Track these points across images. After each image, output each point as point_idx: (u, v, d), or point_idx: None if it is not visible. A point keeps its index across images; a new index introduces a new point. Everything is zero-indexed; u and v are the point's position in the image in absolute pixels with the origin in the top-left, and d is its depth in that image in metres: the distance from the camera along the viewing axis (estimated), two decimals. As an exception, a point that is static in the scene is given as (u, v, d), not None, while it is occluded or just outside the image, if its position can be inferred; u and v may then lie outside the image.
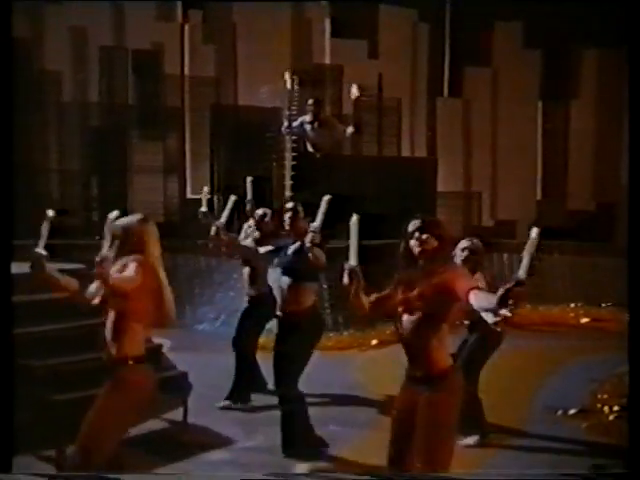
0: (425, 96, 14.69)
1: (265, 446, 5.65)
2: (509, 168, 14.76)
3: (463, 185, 14.77)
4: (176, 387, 6.29)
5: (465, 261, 5.70)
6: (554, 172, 14.83)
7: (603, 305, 11.24)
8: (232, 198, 6.47)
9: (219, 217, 6.45)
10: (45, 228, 4.35)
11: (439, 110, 14.68)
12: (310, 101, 10.43)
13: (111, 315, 3.86)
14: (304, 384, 7.20)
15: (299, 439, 5.42)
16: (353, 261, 3.87)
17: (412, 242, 3.90)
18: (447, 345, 3.94)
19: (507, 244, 13.43)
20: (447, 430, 3.81)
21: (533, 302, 11.83)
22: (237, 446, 5.51)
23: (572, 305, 11.62)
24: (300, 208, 5.79)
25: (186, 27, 13.05)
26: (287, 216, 5.78)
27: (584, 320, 11.11)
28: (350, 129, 10.53)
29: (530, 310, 11.58)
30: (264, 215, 6.95)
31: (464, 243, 5.90)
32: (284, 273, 5.58)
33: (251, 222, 7.15)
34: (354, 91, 10.92)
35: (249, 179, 7.46)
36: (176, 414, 6.23)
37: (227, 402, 6.72)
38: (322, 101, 10.96)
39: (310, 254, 5.34)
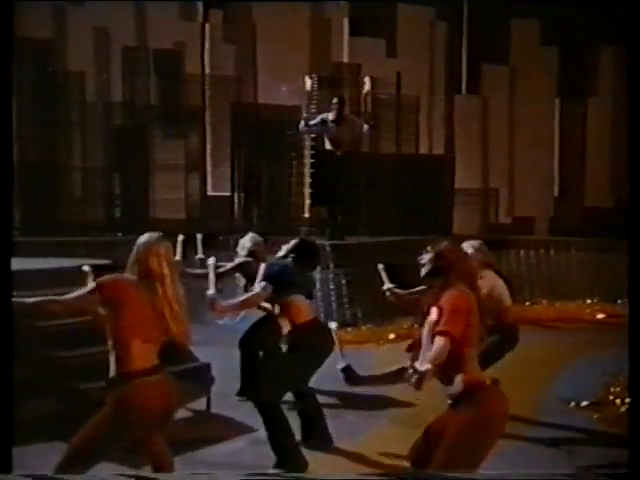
0: (443, 94, 14.82)
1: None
2: (527, 165, 14.86)
3: (481, 182, 14.88)
4: (200, 378, 6.49)
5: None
6: (571, 169, 14.92)
7: (619, 302, 11.30)
8: (180, 237, 6.47)
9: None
10: None
11: (457, 108, 14.81)
12: (335, 100, 10.63)
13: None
14: (321, 377, 7.46)
15: (315, 432, 5.62)
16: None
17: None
18: (473, 364, 3.82)
19: (525, 241, 13.58)
20: (468, 451, 3.74)
21: (549, 298, 12.01)
22: (258, 434, 5.68)
23: (588, 301, 11.72)
24: None
25: (207, 27, 13.23)
26: None
27: (600, 316, 11.19)
28: (366, 126, 10.70)
29: (546, 306, 11.75)
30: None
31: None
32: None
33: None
34: (367, 85, 11.12)
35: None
36: (200, 403, 6.46)
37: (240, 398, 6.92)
38: (345, 99, 11.09)
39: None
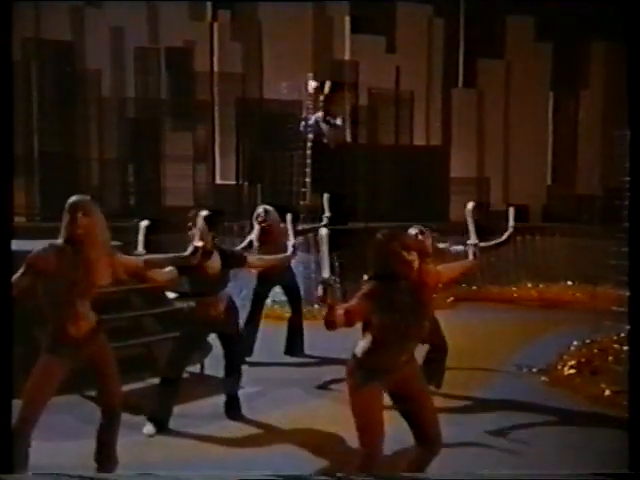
0: (440, 87, 15.58)
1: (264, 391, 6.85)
2: (521, 155, 15.62)
3: (476, 171, 15.65)
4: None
5: None
6: (564, 159, 15.65)
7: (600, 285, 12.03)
8: (144, 223, 5.73)
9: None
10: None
11: (454, 100, 15.57)
12: (321, 97, 11.54)
13: None
14: (310, 349, 8.37)
15: None
16: (326, 273, 3.91)
17: None
18: None
19: (519, 227, 14.34)
20: None
21: (533, 281, 12.80)
22: (243, 391, 6.61)
23: (569, 283, 12.48)
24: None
25: (215, 26, 14.09)
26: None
27: (578, 297, 11.96)
28: (339, 121, 11.66)
29: (530, 288, 12.55)
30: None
31: None
32: None
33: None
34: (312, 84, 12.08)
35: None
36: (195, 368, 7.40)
37: None
38: (333, 98, 12.00)
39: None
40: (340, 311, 3.93)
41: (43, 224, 11.95)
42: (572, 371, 7.28)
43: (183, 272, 5.66)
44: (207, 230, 5.69)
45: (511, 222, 6.29)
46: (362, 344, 4.15)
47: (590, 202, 14.98)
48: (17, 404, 4.46)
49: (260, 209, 8.13)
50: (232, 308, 6.14)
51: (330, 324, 3.92)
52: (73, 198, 4.60)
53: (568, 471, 4.54)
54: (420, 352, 6.52)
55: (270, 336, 8.41)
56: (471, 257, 5.14)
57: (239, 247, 7.78)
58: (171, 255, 5.17)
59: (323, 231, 4.20)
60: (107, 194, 12.91)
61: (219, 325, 5.96)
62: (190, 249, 5.12)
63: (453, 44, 15.65)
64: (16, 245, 5.64)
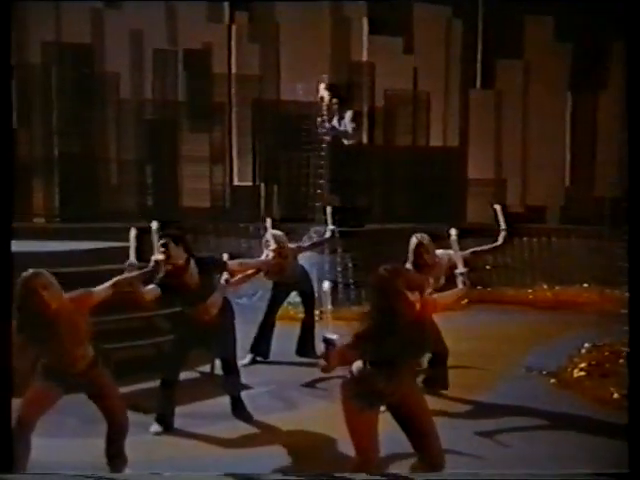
0: (458, 88, 15.56)
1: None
2: (539, 156, 15.55)
3: (494, 173, 15.61)
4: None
5: None
6: (582, 160, 15.57)
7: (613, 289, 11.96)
8: (133, 232, 5.52)
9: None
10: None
11: (472, 101, 15.54)
12: (334, 100, 11.67)
13: None
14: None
15: None
16: (329, 333, 3.92)
17: None
18: None
19: (537, 229, 14.32)
20: None
21: (549, 283, 12.78)
22: (252, 391, 6.72)
23: (585, 286, 12.44)
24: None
25: (233, 28, 14.18)
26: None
27: (594, 299, 11.91)
28: (354, 122, 11.77)
29: (545, 289, 12.54)
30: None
31: None
32: None
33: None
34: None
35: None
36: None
37: (250, 355, 7.99)
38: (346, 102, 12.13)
39: None
40: (334, 362, 3.95)
41: (62, 225, 12.17)
42: (582, 374, 7.30)
43: (166, 289, 5.71)
44: (173, 246, 5.77)
45: (502, 224, 6.28)
46: (358, 363, 4.17)
47: (609, 204, 14.90)
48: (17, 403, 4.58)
49: (268, 235, 7.89)
50: (227, 310, 6.23)
51: (325, 372, 4.07)
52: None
53: (568, 471, 4.57)
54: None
55: (284, 336, 8.49)
56: (460, 286, 5.11)
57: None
58: (135, 273, 5.25)
59: (326, 285, 4.34)
60: (125, 195, 13.06)
61: (213, 327, 6.04)
62: (151, 264, 5.29)
63: (471, 45, 15.61)
64: (35, 247, 5.75)
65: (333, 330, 4.00)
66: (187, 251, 5.92)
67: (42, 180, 12.55)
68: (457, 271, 5.15)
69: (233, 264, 6.48)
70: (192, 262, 5.91)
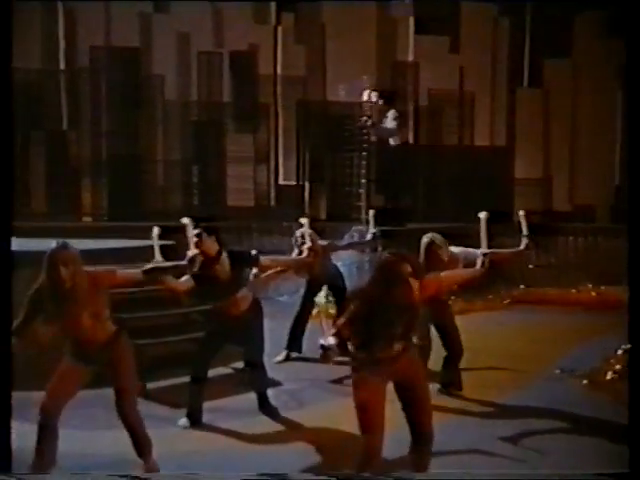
0: (505, 87, 15.46)
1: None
2: (588, 155, 15.35)
3: (542, 172, 15.48)
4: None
5: None
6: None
7: None
8: (156, 231, 5.27)
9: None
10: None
11: (518, 100, 15.42)
12: (381, 102, 11.75)
13: None
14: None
15: None
16: (331, 340, 4.06)
17: None
18: None
19: (584, 228, 14.17)
20: None
21: (596, 282, 12.62)
22: (281, 388, 6.84)
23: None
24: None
25: (279, 29, 14.33)
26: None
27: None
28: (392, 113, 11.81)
29: (590, 289, 12.40)
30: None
31: None
32: None
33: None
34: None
35: None
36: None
37: (285, 352, 8.15)
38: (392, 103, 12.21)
39: None
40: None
41: (110, 224, 12.49)
42: (615, 376, 7.22)
43: (198, 280, 5.79)
44: (206, 236, 5.86)
45: (525, 231, 6.25)
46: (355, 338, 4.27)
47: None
48: (17, 399, 4.73)
49: (300, 232, 7.74)
50: (256, 306, 6.33)
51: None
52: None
53: (569, 471, 4.55)
54: (438, 359, 6.72)
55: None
56: (479, 265, 5.15)
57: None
58: (170, 263, 5.29)
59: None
60: (171, 194, 13.34)
61: (242, 323, 6.16)
62: (186, 258, 5.39)
63: (518, 43, 15.49)
64: (84, 244, 5.93)
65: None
66: (219, 243, 6.03)
67: (89, 180, 12.91)
68: (479, 251, 5.19)
69: (264, 260, 6.57)
70: (224, 254, 6.03)
